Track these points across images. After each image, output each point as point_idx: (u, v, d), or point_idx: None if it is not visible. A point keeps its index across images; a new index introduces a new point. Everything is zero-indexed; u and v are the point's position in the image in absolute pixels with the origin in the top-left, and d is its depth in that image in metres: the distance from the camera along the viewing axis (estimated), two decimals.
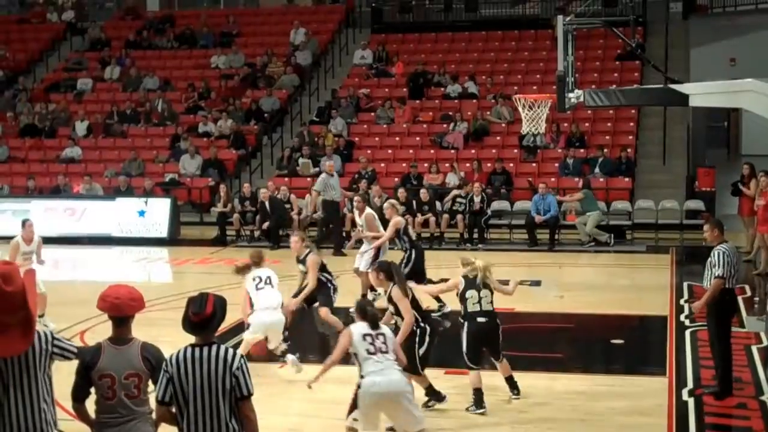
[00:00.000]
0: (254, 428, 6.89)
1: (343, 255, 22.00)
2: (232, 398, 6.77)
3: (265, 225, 23.95)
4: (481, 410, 11.31)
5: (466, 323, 11.49)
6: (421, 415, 9.73)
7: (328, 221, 23.82)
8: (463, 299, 11.54)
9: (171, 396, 6.85)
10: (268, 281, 13.06)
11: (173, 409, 6.91)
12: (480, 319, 11.40)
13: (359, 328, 9.42)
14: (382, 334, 9.42)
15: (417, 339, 10.87)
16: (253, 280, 13.04)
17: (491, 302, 11.53)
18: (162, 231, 25.02)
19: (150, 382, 7.13)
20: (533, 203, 23.69)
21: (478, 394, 11.39)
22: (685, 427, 10.84)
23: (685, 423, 10.96)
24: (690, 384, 12.34)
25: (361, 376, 9.30)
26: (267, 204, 23.94)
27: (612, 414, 11.35)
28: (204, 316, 6.81)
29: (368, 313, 9.48)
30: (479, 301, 11.42)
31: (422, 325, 11.01)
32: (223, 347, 6.87)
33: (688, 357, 13.61)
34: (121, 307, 7.11)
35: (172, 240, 25.12)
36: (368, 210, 17.79)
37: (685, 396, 11.86)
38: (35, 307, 6.86)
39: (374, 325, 9.42)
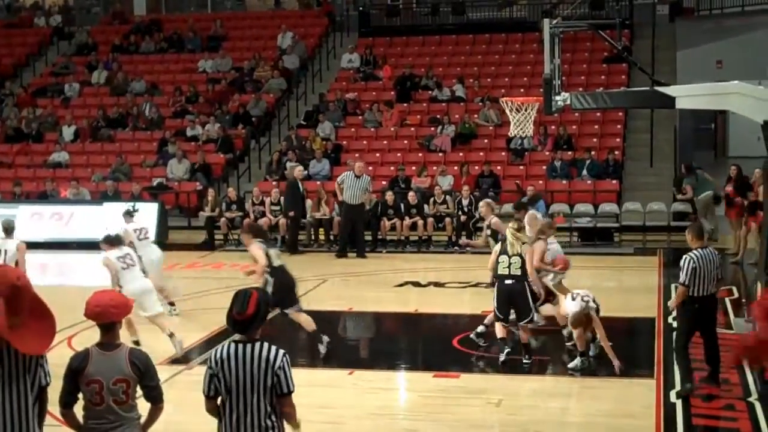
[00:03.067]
0: (293, 420, 7.19)
1: (364, 258, 22.13)
2: (273, 395, 6.93)
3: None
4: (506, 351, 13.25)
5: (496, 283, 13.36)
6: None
7: (350, 224, 23.16)
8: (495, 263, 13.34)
9: (215, 390, 7.01)
10: None
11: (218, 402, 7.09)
12: (507, 281, 13.08)
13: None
14: None
15: None
16: None
17: (520, 267, 13.06)
18: (150, 235, 24.90)
19: (138, 388, 7.16)
20: None
21: (502, 341, 13.33)
22: (672, 429, 10.86)
23: (673, 424, 10.98)
24: (677, 386, 12.35)
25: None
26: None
27: (600, 416, 11.37)
28: (246, 316, 6.93)
29: None
30: (508, 266, 13.03)
31: None
32: (266, 345, 6.99)
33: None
34: (104, 314, 7.13)
35: (160, 244, 24.99)
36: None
37: (672, 398, 11.87)
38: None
39: None
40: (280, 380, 6.91)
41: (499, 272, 13.18)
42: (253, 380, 6.89)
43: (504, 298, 13.19)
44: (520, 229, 13.50)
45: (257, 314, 6.94)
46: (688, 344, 11.91)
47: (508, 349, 13.31)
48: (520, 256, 13.08)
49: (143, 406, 7.25)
